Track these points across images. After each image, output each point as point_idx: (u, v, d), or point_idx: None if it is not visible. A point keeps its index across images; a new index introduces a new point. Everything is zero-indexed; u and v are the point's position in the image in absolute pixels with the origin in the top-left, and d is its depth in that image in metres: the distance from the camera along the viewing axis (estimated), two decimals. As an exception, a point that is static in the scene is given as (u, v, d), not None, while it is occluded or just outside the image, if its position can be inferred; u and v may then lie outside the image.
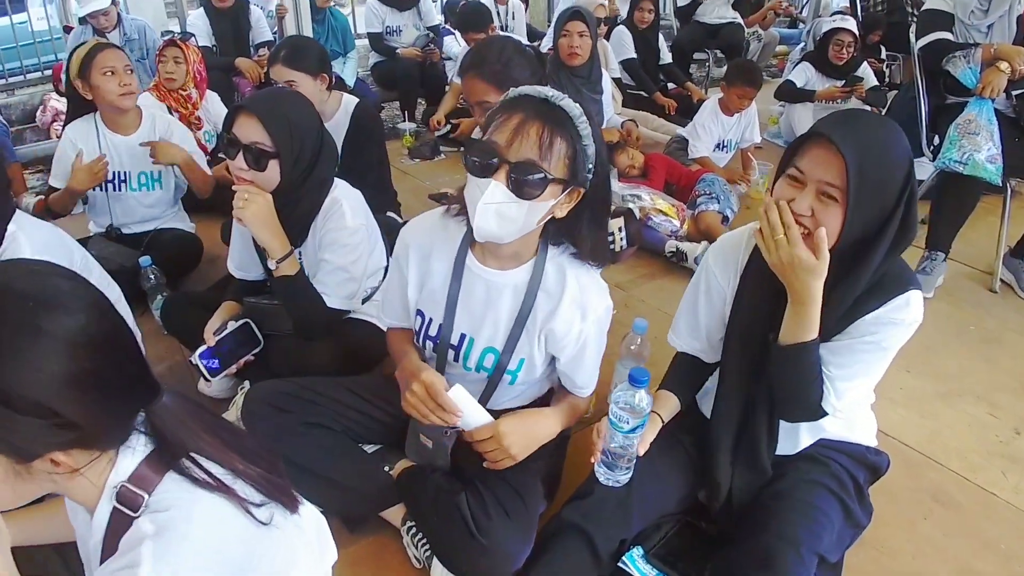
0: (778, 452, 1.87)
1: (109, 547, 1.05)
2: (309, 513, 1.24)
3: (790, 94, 5.45)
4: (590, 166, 1.64)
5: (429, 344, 1.96)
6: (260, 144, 2.16)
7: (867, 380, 1.74)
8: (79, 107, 3.27)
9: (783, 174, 1.61)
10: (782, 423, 1.84)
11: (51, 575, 1.57)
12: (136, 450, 1.07)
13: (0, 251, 2.00)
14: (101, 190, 3.34)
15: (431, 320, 1.94)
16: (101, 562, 1.06)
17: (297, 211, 2.33)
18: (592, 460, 1.77)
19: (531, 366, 1.91)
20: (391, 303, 2.05)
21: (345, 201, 2.35)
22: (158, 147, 3.22)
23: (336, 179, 2.43)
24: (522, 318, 1.84)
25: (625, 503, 1.82)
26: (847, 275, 1.61)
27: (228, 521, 1.06)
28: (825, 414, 1.75)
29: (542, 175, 1.57)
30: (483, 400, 1.96)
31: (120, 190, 3.36)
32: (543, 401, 2.08)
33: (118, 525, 1.04)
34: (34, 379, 0.92)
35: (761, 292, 1.75)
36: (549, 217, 1.69)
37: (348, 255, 2.34)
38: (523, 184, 1.57)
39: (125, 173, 3.35)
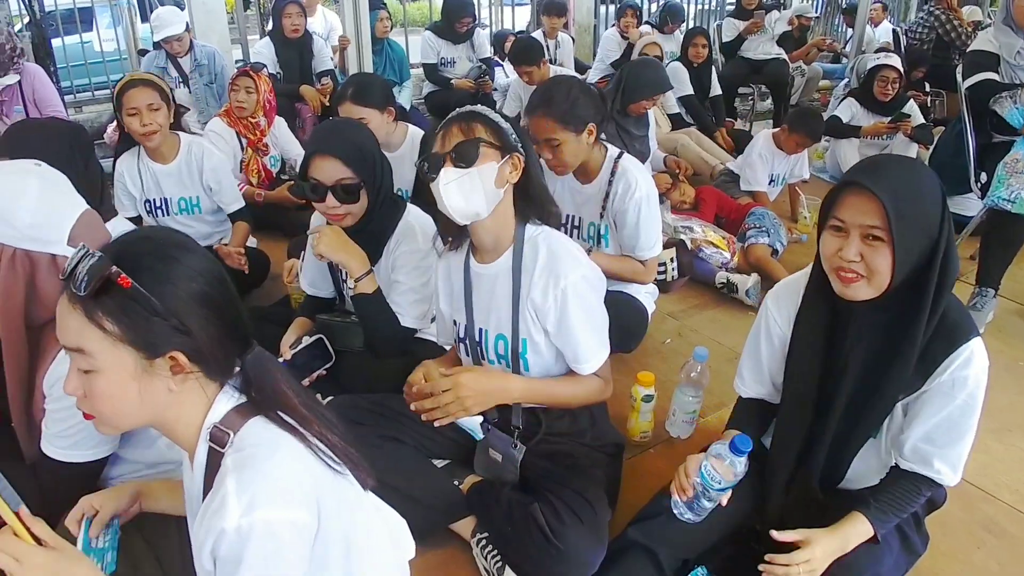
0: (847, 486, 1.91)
1: (207, 486, 1.21)
2: (382, 504, 1.43)
3: (836, 130, 5.47)
4: (513, 136, 1.93)
5: (462, 348, 2.17)
6: (345, 180, 2.33)
7: (969, 437, 1.75)
8: (126, 137, 3.40)
9: (825, 227, 1.69)
10: (857, 470, 1.87)
11: (141, 567, 1.64)
12: (231, 399, 1.27)
13: None
14: (149, 215, 3.52)
15: (460, 324, 2.17)
16: (203, 498, 1.22)
17: (371, 231, 2.48)
18: (673, 496, 1.80)
19: (535, 346, 2.05)
20: (440, 323, 2.30)
21: (418, 225, 2.50)
22: (230, 256, 3.38)
23: (408, 204, 2.57)
24: (516, 300, 2.01)
25: (689, 525, 1.86)
26: (912, 315, 1.66)
27: (304, 459, 1.22)
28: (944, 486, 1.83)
29: (473, 144, 1.87)
30: None
31: (167, 215, 3.54)
32: (594, 410, 2.20)
33: (213, 464, 1.22)
34: (171, 292, 1.17)
35: (814, 327, 1.81)
36: (508, 188, 1.95)
37: (420, 277, 2.47)
38: (462, 156, 1.86)
39: (165, 200, 3.52)
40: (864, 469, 1.87)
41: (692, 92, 5.91)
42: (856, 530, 1.75)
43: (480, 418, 2.06)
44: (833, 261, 1.66)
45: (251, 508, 1.10)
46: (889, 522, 1.77)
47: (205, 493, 1.22)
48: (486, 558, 2.08)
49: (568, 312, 1.96)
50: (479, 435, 2.10)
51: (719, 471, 1.71)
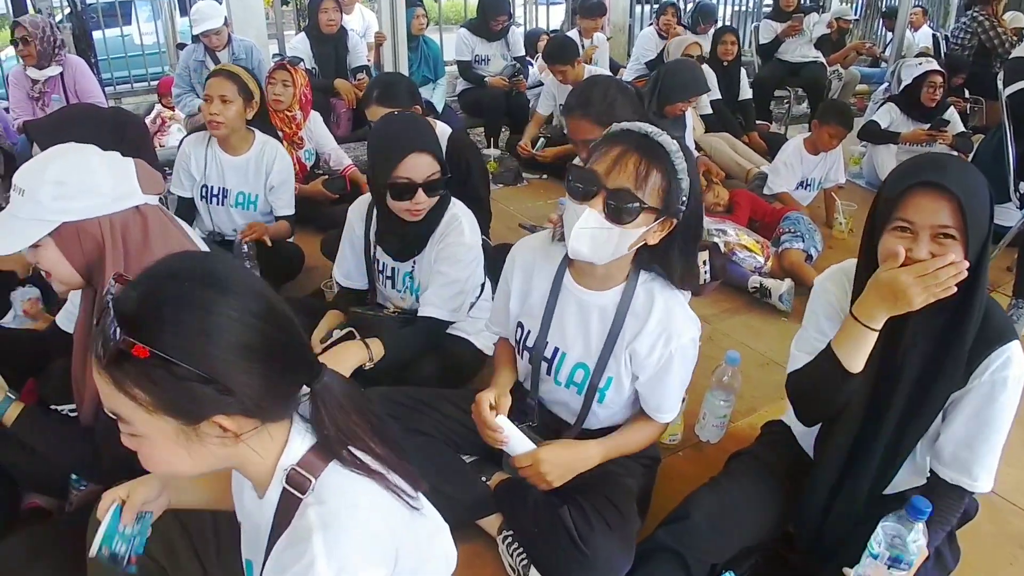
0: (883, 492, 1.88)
1: (279, 525, 1.16)
2: (434, 512, 1.37)
3: (874, 135, 5.41)
4: (684, 198, 1.74)
5: (525, 354, 2.10)
6: (433, 175, 2.37)
7: (1003, 441, 1.73)
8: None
9: (887, 230, 1.63)
10: (904, 472, 1.85)
11: (176, 550, 1.66)
12: (305, 437, 1.18)
13: None
14: (202, 200, 3.57)
15: (529, 332, 2.08)
16: (269, 538, 1.18)
17: (425, 219, 2.49)
18: None
19: (619, 385, 1.99)
20: (497, 311, 2.21)
21: (464, 218, 2.51)
22: (254, 228, 3.40)
23: (452, 198, 2.58)
24: (612, 338, 1.93)
25: (718, 529, 1.88)
26: (963, 314, 1.64)
27: (387, 508, 1.17)
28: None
29: (636, 203, 1.68)
30: (579, 419, 2.06)
31: (220, 204, 3.57)
32: None
33: (287, 505, 1.15)
34: (201, 352, 1.02)
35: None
36: (641, 244, 1.79)
37: (463, 270, 2.49)
38: (618, 211, 1.69)
39: (225, 190, 3.55)
40: (904, 477, 1.85)
41: (719, 96, 5.88)
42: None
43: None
44: (903, 262, 1.60)
45: (341, 573, 1.07)
46: (937, 536, 1.76)
47: (275, 527, 1.18)
48: (512, 555, 2.08)
49: (671, 371, 1.92)
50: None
51: (906, 549, 1.60)
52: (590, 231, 1.71)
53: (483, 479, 2.18)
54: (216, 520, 1.62)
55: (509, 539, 2.10)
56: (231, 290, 1.07)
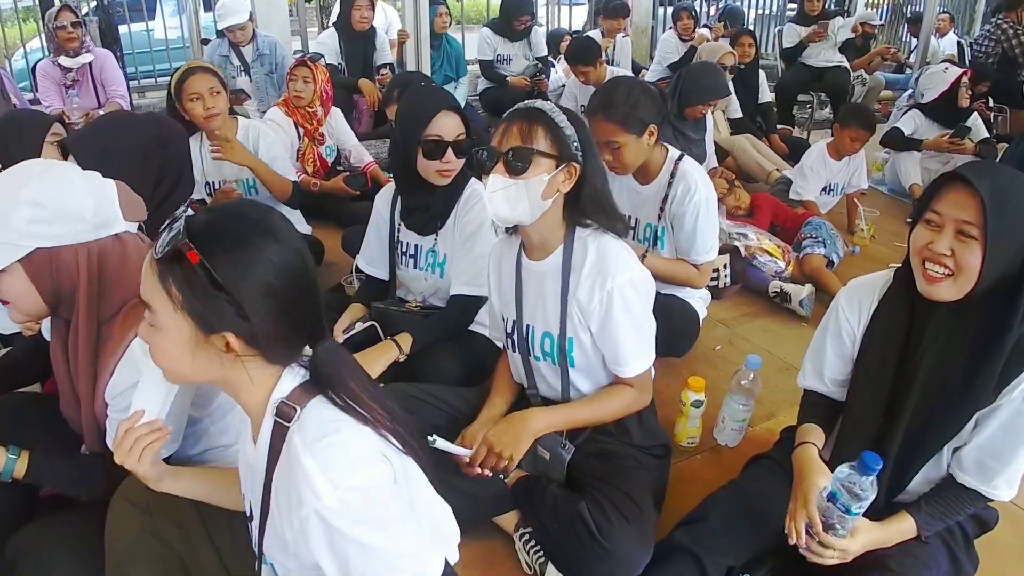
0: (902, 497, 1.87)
1: (272, 459, 1.27)
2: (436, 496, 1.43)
3: (897, 142, 5.38)
4: (575, 144, 1.90)
5: (510, 343, 2.18)
6: (461, 135, 2.44)
7: None
8: (185, 125, 3.41)
9: (919, 221, 1.68)
10: (918, 482, 1.84)
11: (191, 538, 1.67)
12: (295, 377, 1.29)
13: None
14: (210, 196, 3.60)
15: (508, 319, 2.18)
16: (265, 475, 1.28)
17: (445, 192, 2.56)
18: (800, 543, 1.74)
19: (581, 344, 2.05)
20: (492, 317, 2.31)
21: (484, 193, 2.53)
22: (231, 147, 3.35)
23: (471, 175, 2.62)
24: (563, 299, 2.02)
25: (736, 531, 1.89)
26: (1001, 326, 1.63)
27: (369, 435, 1.26)
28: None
29: (527, 152, 1.85)
30: (563, 390, 2.13)
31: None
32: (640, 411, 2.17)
33: (277, 438, 1.26)
34: (238, 277, 1.18)
35: (892, 335, 1.79)
36: (558, 196, 1.93)
37: (487, 246, 2.48)
38: (513, 164, 1.86)
39: (222, 183, 3.59)
40: (924, 480, 1.84)
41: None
42: (899, 527, 1.78)
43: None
44: (923, 253, 1.65)
45: (340, 481, 1.16)
46: (935, 525, 1.78)
47: (269, 465, 1.27)
48: (528, 553, 2.08)
49: (612, 314, 1.96)
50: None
51: (860, 496, 1.64)
52: (500, 192, 1.88)
53: (500, 476, 2.17)
54: (231, 513, 1.63)
55: (526, 536, 2.11)
56: (280, 240, 1.22)
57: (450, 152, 2.41)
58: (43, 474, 1.73)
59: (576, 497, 1.99)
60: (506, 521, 2.18)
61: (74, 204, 1.56)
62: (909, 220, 1.71)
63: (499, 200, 1.89)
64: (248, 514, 1.44)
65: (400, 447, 1.29)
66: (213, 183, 3.58)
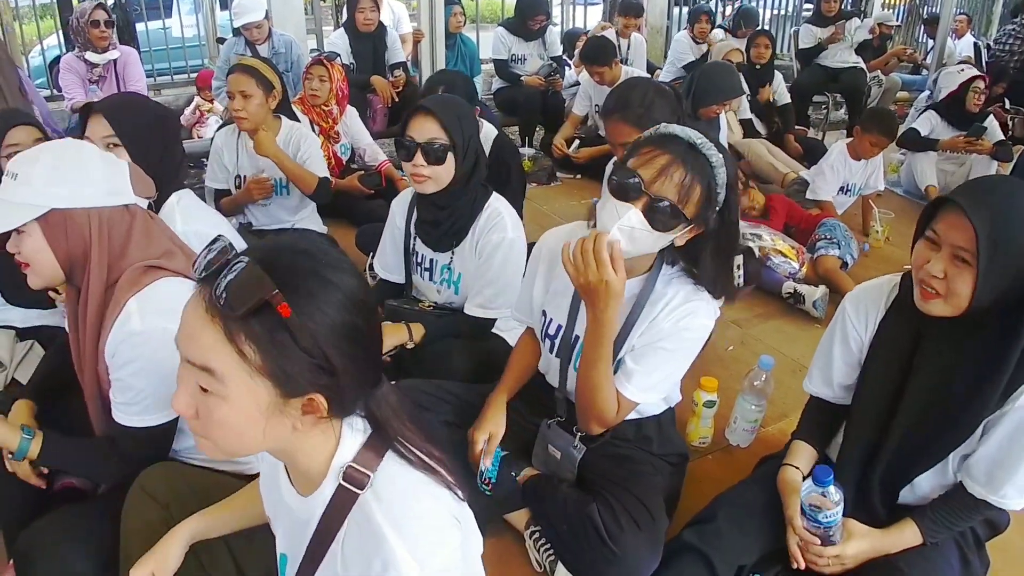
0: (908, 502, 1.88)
1: (330, 519, 1.16)
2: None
3: (914, 143, 5.36)
4: (716, 207, 1.77)
5: (548, 343, 2.11)
6: (438, 139, 2.35)
7: None
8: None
9: (922, 236, 1.68)
10: (924, 489, 1.84)
11: (210, 543, 1.64)
12: (356, 435, 1.17)
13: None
14: (237, 189, 3.62)
15: (551, 320, 2.10)
16: (315, 534, 1.18)
17: (460, 210, 2.52)
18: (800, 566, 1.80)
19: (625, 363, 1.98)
20: (522, 299, 2.23)
21: (506, 213, 2.53)
22: (257, 137, 3.38)
23: (494, 192, 2.60)
24: (627, 326, 1.93)
25: (745, 531, 1.89)
26: (1008, 339, 1.62)
27: (443, 497, 1.17)
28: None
29: (677, 216, 1.71)
30: None
31: None
32: (660, 418, 2.15)
33: (342, 501, 1.14)
34: (318, 318, 1.01)
35: (898, 342, 1.79)
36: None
37: (507, 268, 2.50)
38: (659, 219, 1.71)
39: (254, 175, 3.59)
40: (930, 488, 1.84)
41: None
42: (903, 535, 1.79)
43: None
44: (920, 272, 1.65)
45: (425, 561, 1.08)
46: (941, 533, 1.78)
47: (327, 525, 1.18)
48: (539, 551, 2.09)
49: (662, 343, 1.89)
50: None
51: (824, 505, 1.71)
52: (629, 231, 1.72)
53: (512, 474, 2.18)
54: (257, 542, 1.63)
55: (536, 534, 2.12)
56: (348, 272, 1.08)
57: (419, 155, 2.37)
58: (55, 455, 1.77)
59: (587, 499, 1.98)
60: (517, 518, 2.19)
61: (86, 169, 1.66)
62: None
63: (624, 237, 1.73)
64: (279, 547, 1.39)
65: (460, 495, 1.22)
66: (244, 176, 3.60)
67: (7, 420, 1.81)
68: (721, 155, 1.75)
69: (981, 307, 1.60)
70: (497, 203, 2.55)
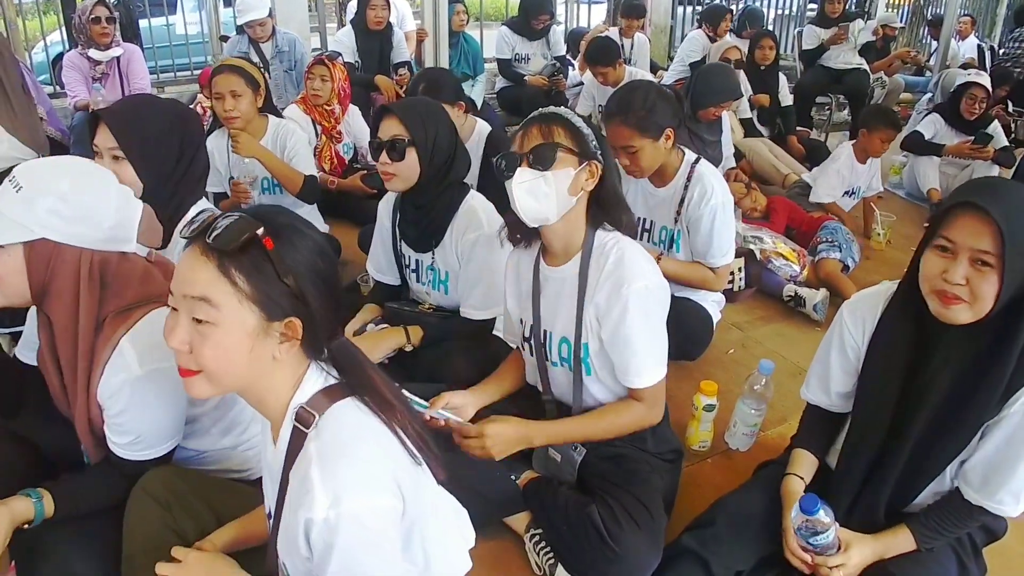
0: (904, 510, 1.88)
1: (288, 463, 1.29)
2: (449, 496, 1.47)
3: (917, 146, 5.34)
4: (593, 143, 1.94)
5: (527, 347, 2.19)
6: (398, 136, 2.39)
7: None
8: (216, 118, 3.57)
9: (929, 246, 1.65)
10: (923, 496, 1.84)
11: (204, 524, 1.69)
12: (317, 380, 1.32)
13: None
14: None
15: (525, 323, 2.19)
16: (280, 478, 1.31)
17: (435, 210, 2.54)
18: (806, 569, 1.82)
19: (597, 352, 2.04)
20: (506, 321, 2.32)
21: (480, 209, 2.54)
22: (240, 139, 3.37)
23: (472, 189, 2.62)
24: (580, 303, 2.02)
25: (744, 536, 1.90)
26: (1007, 341, 1.61)
27: (385, 444, 1.27)
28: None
29: (551, 147, 1.89)
30: (575, 396, 2.12)
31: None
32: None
33: (295, 443, 1.28)
34: (295, 256, 1.24)
35: (896, 352, 1.78)
36: (583, 195, 1.97)
37: (491, 263, 2.50)
38: (539, 159, 1.89)
39: (250, 178, 3.59)
40: (929, 495, 1.84)
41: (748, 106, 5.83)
42: (898, 540, 1.81)
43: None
44: (935, 283, 1.62)
45: (337, 500, 1.16)
46: (936, 539, 1.79)
47: (285, 469, 1.29)
48: (539, 554, 2.10)
49: (626, 319, 1.95)
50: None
51: (817, 527, 1.72)
52: (527, 185, 1.90)
53: (512, 477, 2.19)
54: (246, 507, 1.67)
55: (536, 537, 2.12)
56: (312, 228, 1.31)
57: (384, 153, 2.41)
58: (67, 505, 1.71)
59: (587, 500, 2.00)
60: (517, 522, 2.19)
61: (98, 212, 1.59)
62: (927, 224, 1.68)
63: (526, 193, 1.91)
64: (268, 513, 1.46)
65: (416, 454, 1.31)
66: (236, 177, 3.61)
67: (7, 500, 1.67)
68: (564, 108, 2.02)
69: (999, 311, 1.59)
70: (472, 200, 2.57)
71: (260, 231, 1.20)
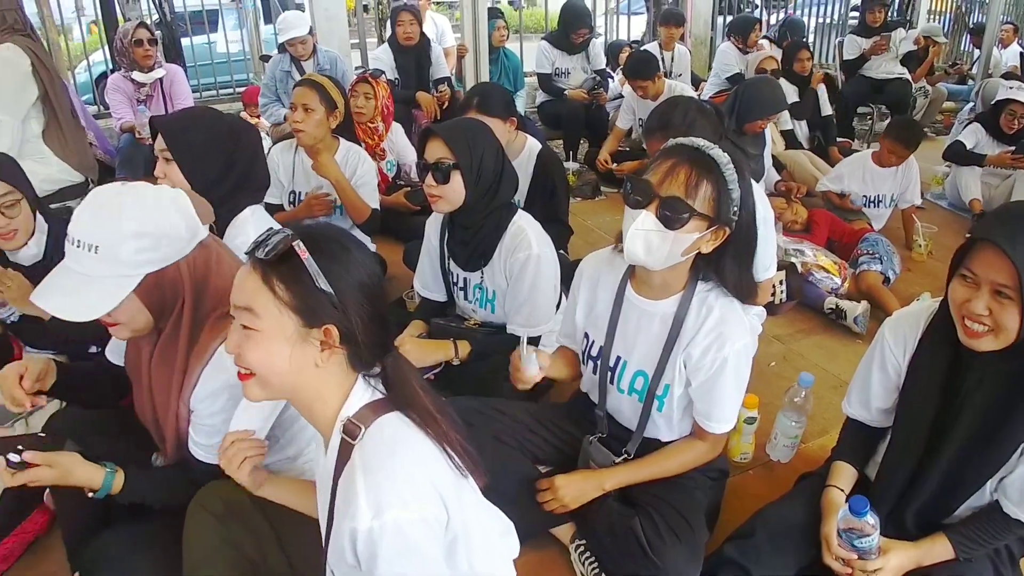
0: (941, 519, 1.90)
1: (337, 472, 1.34)
2: (491, 505, 1.50)
3: (958, 156, 5.29)
4: (735, 208, 1.82)
5: (590, 363, 2.18)
6: (443, 159, 2.43)
7: None
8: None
9: (956, 274, 1.68)
10: (960, 511, 1.86)
11: (264, 545, 1.77)
12: (364, 394, 1.38)
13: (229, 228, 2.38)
14: (291, 205, 3.71)
15: (593, 342, 2.17)
16: (331, 488, 1.35)
17: (484, 230, 2.58)
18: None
19: (674, 392, 2.04)
20: (566, 324, 2.30)
21: (529, 229, 2.58)
22: (320, 158, 3.44)
23: (519, 209, 2.66)
24: (669, 345, 2.00)
25: (784, 547, 1.92)
26: None
27: (428, 456, 1.33)
28: None
29: (687, 209, 1.77)
30: (639, 426, 2.13)
31: None
32: None
33: (343, 454, 1.33)
34: (339, 272, 1.31)
35: (936, 369, 1.81)
36: (695, 252, 1.87)
37: (540, 283, 2.55)
38: (670, 216, 1.77)
39: (308, 193, 3.66)
40: (967, 508, 1.86)
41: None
42: (936, 549, 1.82)
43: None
44: (960, 310, 1.66)
45: (380, 511, 1.21)
46: (973, 550, 1.80)
47: (335, 477, 1.34)
48: (583, 564, 2.14)
49: (722, 376, 1.95)
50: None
51: (862, 531, 1.74)
52: (644, 233, 1.80)
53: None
54: (302, 519, 1.71)
55: (581, 548, 2.17)
56: (363, 249, 1.39)
57: (428, 175, 2.46)
58: (137, 489, 1.79)
59: (630, 512, 2.04)
60: (562, 532, 2.24)
61: (171, 226, 1.66)
62: (968, 235, 1.69)
63: (639, 240, 1.81)
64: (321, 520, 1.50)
65: (460, 466, 1.36)
66: (299, 192, 3.69)
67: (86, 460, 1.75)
68: (727, 156, 1.83)
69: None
70: (521, 220, 2.60)
71: (296, 242, 1.28)
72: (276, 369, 1.33)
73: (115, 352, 2.09)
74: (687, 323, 1.96)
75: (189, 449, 1.80)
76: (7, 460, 1.63)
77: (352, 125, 3.80)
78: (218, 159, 2.32)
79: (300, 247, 1.28)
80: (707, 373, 1.96)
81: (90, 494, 1.73)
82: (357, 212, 3.59)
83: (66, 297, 1.60)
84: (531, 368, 2.01)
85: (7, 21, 3.67)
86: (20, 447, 1.65)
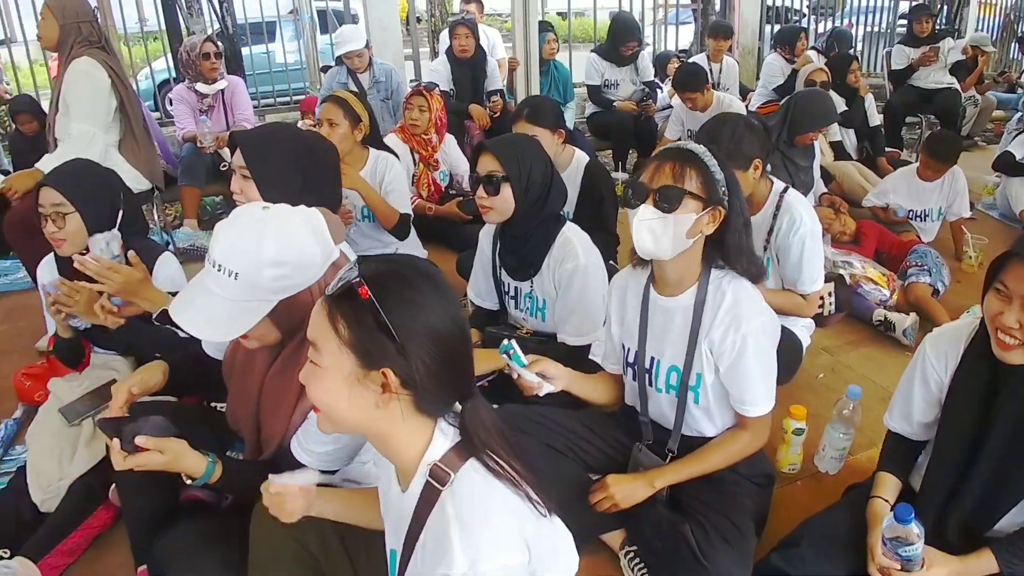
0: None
1: (419, 514, 1.35)
2: (559, 523, 1.50)
3: (1008, 166, 5.23)
4: (723, 188, 1.98)
5: (630, 372, 2.27)
6: (493, 171, 2.56)
7: None
8: None
9: (990, 287, 1.73)
10: (1003, 524, 1.89)
11: (329, 547, 1.82)
12: (447, 439, 1.36)
13: None
14: None
15: (629, 349, 2.27)
16: (409, 526, 1.36)
17: (532, 241, 2.69)
18: None
19: (707, 380, 2.13)
20: (608, 347, 2.40)
21: (576, 240, 2.68)
22: (344, 170, 3.47)
23: (568, 220, 2.75)
24: (693, 335, 2.10)
25: (829, 557, 1.96)
26: None
27: (515, 506, 1.34)
28: None
29: (679, 192, 1.93)
30: (676, 422, 2.22)
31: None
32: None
33: (428, 497, 1.33)
34: (404, 316, 1.26)
35: (976, 383, 1.85)
36: (700, 237, 2.01)
37: (588, 293, 2.63)
38: (664, 200, 1.94)
39: (351, 206, 3.77)
40: (1010, 524, 1.89)
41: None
42: (980, 563, 1.83)
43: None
44: (993, 322, 1.71)
45: (475, 562, 1.22)
46: (1017, 566, 1.82)
47: (416, 517, 1.36)
48: (633, 570, 2.19)
49: (745, 355, 2.04)
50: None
51: (907, 539, 1.77)
52: (647, 223, 1.96)
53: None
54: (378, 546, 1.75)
55: (631, 554, 2.22)
56: (444, 294, 1.32)
57: (480, 188, 2.59)
58: (233, 480, 1.82)
59: (680, 519, 2.10)
60: (612, 538, 2.29)
61: (308, 254, 1.71)
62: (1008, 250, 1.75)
63: (644, 231, 1.96)
64: (388, 544, 1.55)
65: (540, 506, 1.36)
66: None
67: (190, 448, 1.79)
68: (703, 147, 2.03)
69: None
70: (568, 231, 2.71)
71: (356, 280, 1.25)
72: (336, 407, 1.33)
73: (213, 347, 2.19)
74: (706, 310, 2.08)
75: (291, 448, 1.85)
76: (120, 443, 1.69)
77: (378, 136, 3.92)
78: (294, 178, 2.34)
79: (361, 285, 1.25)
80: (730, 356, 2.06)
81: (188, 481, 1.79)
82: (385, 218, 3.71)
83: (201, 315, 1.70)
84: (527, 375, 2.10)
85: (83, 33, 3.80)
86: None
